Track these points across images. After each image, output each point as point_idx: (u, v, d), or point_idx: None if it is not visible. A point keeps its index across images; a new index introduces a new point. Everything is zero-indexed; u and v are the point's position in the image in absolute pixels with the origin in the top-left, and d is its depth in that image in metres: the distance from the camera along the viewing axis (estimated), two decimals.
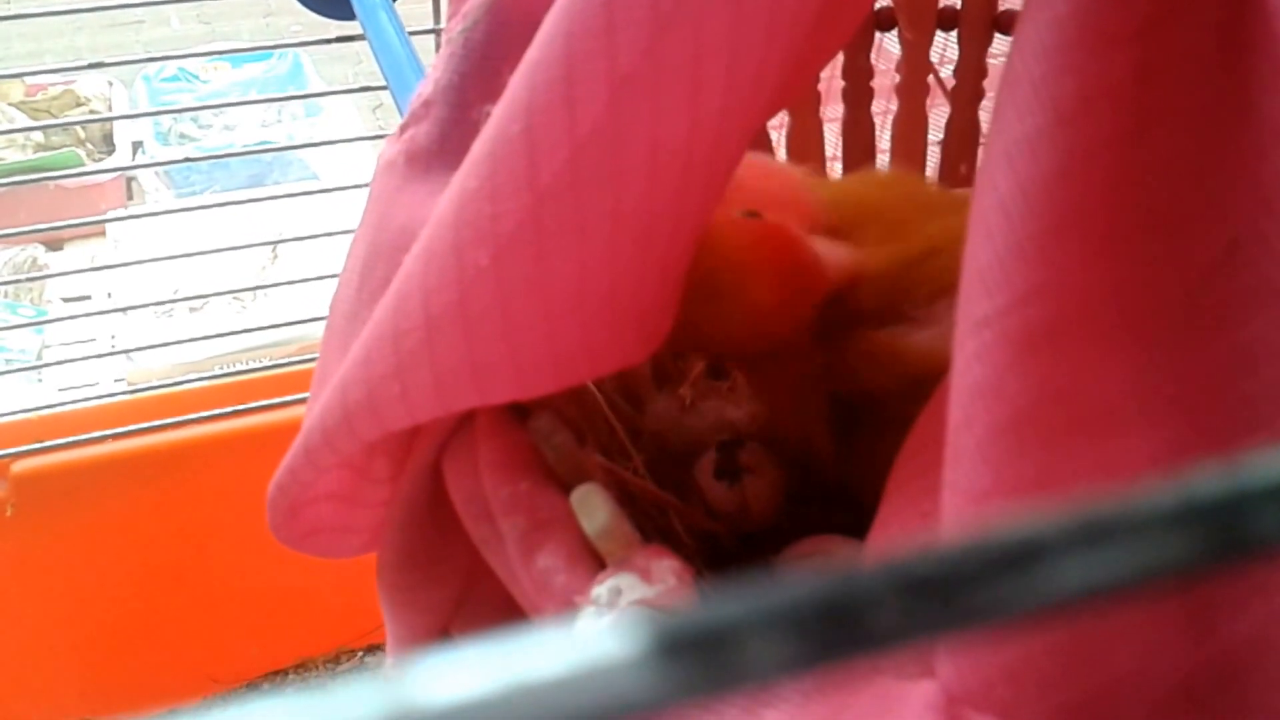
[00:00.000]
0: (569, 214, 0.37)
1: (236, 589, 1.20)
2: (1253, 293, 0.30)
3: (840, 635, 0.11)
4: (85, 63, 0.99)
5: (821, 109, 0.71)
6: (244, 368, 1.18)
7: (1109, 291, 0.30)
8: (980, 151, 0.72)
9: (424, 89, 0.47)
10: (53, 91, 1.62)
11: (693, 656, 0.11)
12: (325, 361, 0.48)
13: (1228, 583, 0.29)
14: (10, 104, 1.59)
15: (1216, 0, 0.30)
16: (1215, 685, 0.29)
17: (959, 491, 0.31)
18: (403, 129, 0.48)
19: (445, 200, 0.38)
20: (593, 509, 0.41)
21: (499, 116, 0.37)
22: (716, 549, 0.54)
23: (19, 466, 1.05)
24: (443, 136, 0.46)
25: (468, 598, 0.50)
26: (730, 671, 0.11)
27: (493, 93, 0.43)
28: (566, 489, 0.43)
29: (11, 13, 1.14)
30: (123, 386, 1.19)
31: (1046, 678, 0.29)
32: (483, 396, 0.40)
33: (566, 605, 0.39)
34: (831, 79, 0.72)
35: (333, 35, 0.96)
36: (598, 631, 0.11)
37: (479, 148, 0.37)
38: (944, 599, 0.11)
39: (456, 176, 0.38)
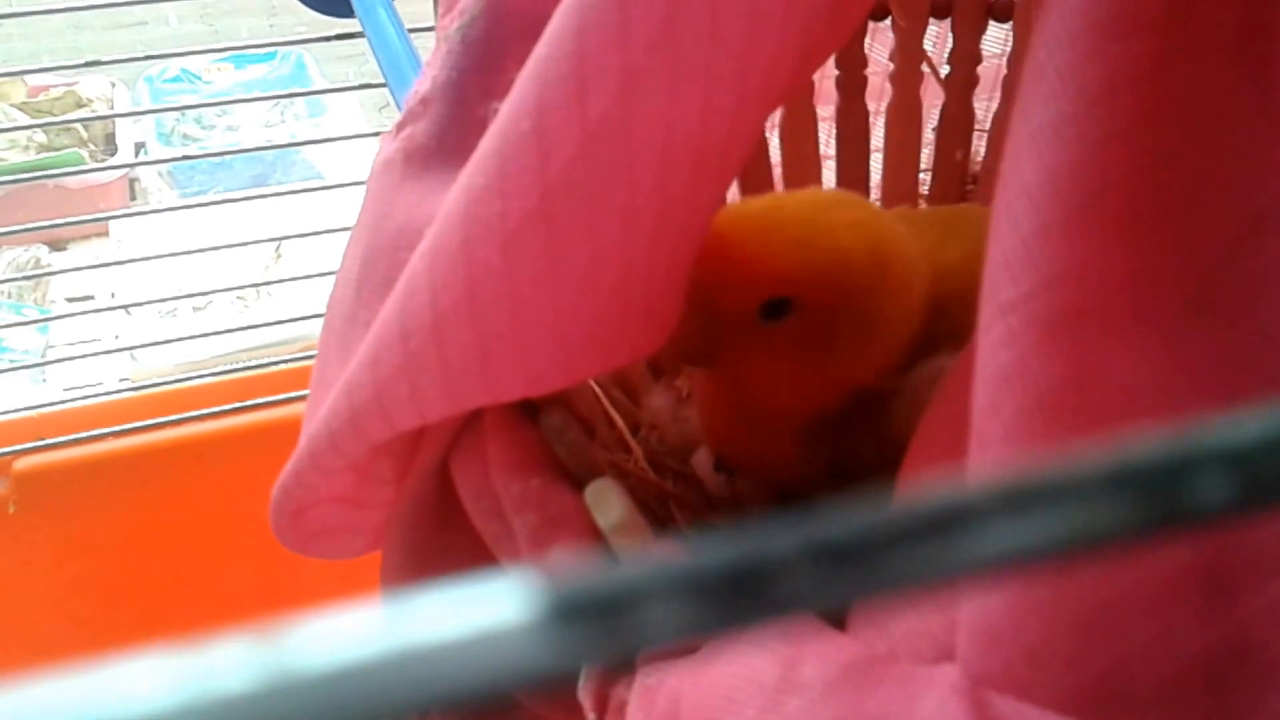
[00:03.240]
0: (579, 206, 0.37)
1: (240, 585, 1.20)
2: (1272, 272, 0.30)
3: (745, 599, 0.11)
4: (91, 61, 0.99)
5: (815, 99, 0.71)
6: (248, 365, 1.18)
7: (1134, 274, 0.31)
8: (976, 139, 0.72)
9: (421, 86, 0.47)
10: (55, 93, 1.62)
11: (589, 620, 0.11)
12: (324, 363, 0.48)
13: (1243, 558, 0.29)
14: (12, 105, 1.59)
15: None
16: (1230, 660, 0.29)
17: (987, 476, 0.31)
18: (399, 127, 0.47)
19: (452, 198, 0.38)
20: (607, 504, 0.41)
21: (507, 113, 0.37)
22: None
23: (21, 464, 1.05)
24: (442, 134, 0.46)
25: None
26: (627, 635, 0.11)
27: (495, 89, 0.43)
28: (577, 485, 0.43)
29: (12, 11, 1.14)
30: (127, 385, 1.19)
31: (1066, 657, 0.29)
32: (492, 394, 0.40)
33: None
34: (824, 69, 0.72)
35: (338, 32, 0.96)
36: (491, 594, 0.11)
37: (486, 145, 0.37)
38: (857, 564, 0.11)
39: (463, 174, 0.38)
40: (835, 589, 0.11)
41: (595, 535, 0.41)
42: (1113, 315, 0.30)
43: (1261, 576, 0.29)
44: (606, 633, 0.11)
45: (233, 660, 0.11)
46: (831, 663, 0.33)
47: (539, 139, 0.36)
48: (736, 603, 0.11)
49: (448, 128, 0.46)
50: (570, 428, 0.46)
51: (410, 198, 0.45)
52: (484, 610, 0.11)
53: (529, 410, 0.46)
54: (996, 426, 0.31)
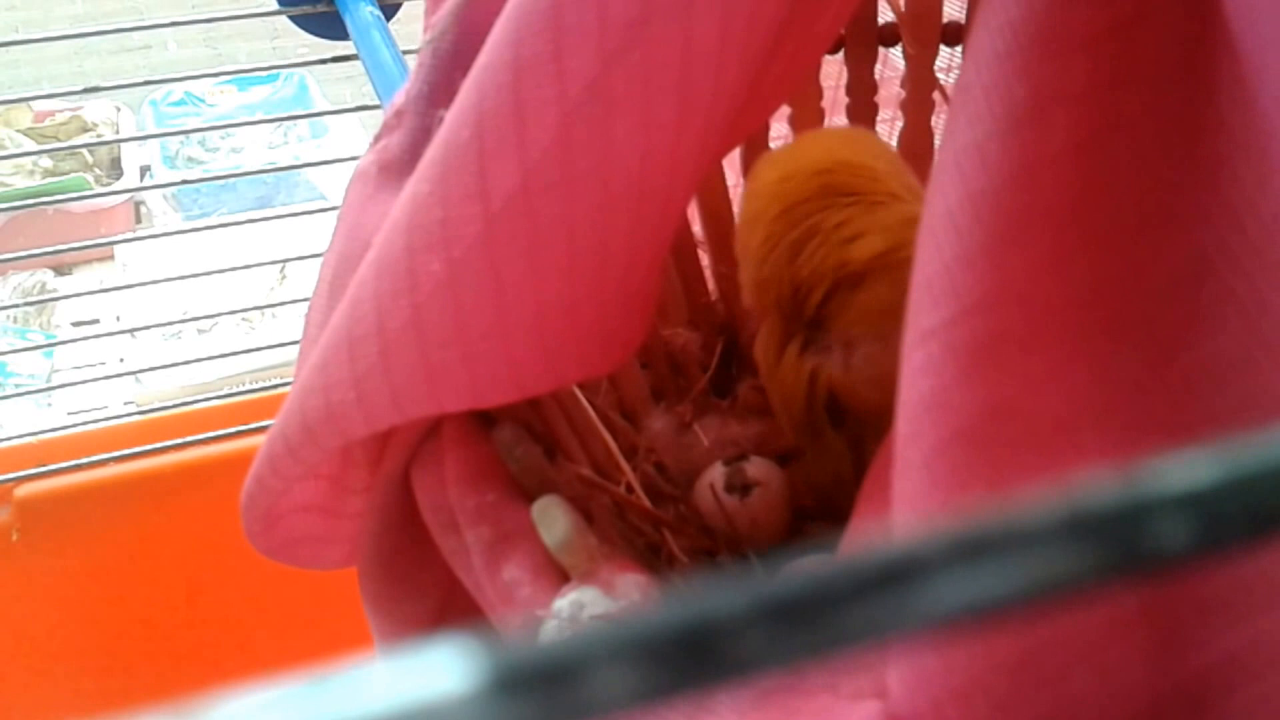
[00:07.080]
0: (522, 233, 0.36)
1: (246, 610, 1.19)
2: (1217, 307, 0.29)
3: (697, 664, 0.11)
4: (90, 86, 0.99)
5: (827, 121, 0.71)
6: (253, 388, 1.18)
7: (1063, 303, 0.29)
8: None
9: (397, 99, 0.47)
10: (60, 117, 1.62)
11: (534, 689, 0.10)
12: (300, 374, 0.48)
13: (1199, 608, 0.28)
14: (18, 130, 1.60)
15: (1179, 9, 0.29)
16: (1186, 712, 0.28)
17: (908, 505, 0.30)
18: (376, 139, 0.48)
19: (399, 205, 0.38)
20: (552, 521, 0.41)
21: (450, 122, 0.37)
22: (713, 567, 0.54)
23: (23, 490, 1.04)
24: (413, 145, 0.46)
25: (449, 606, 0.49)
26: (573, 704, 0.10)
27: (449, 100, 0.43)
28: (534, 500, 0.43)
29: (19, 38, 1.15)
30: (132, 409, 1.19)
31: (999, 699, 0.28)
32: (439, 404, 0.40)
33: (530, 618, 0.38)
34: (836, 91, 0.71)
35: (335, 55, 0.96)
36: (432, 664, 0.10)
37: (431, 153, 0.37)
38: (808, 622, 0.11)
39: (409, 182, 0.38)
40: (787, 648, 0.11)
41: (548, 552, 0.41)
42: (1037, 344, 0.29)
43: (1219, 627, 0.28)
44: (552, 702, 0.10)
45: None
46: (748, 689, 0.32)
47: (479, 150, 0.35)
48: (686, 666, 0.10)
49: (418, 139, 0.46)
50: (521, 443, 0.45)
51: (381, 209, 0.45)
52: (424, 681, 0.10)
53: (488, 423, 0.46)
54: (917, 454, 0.30)
